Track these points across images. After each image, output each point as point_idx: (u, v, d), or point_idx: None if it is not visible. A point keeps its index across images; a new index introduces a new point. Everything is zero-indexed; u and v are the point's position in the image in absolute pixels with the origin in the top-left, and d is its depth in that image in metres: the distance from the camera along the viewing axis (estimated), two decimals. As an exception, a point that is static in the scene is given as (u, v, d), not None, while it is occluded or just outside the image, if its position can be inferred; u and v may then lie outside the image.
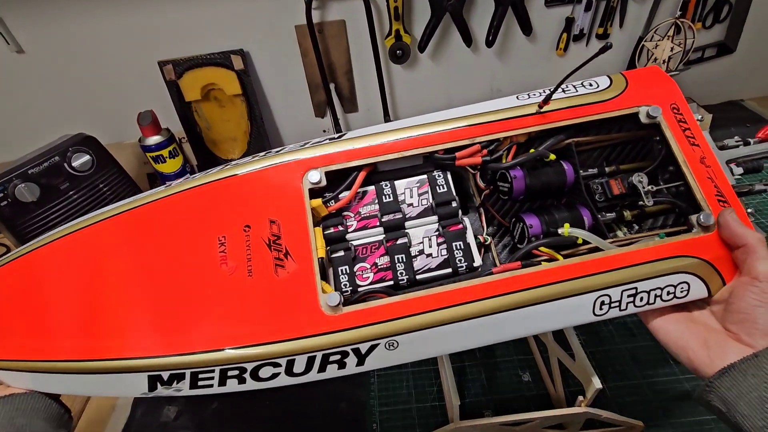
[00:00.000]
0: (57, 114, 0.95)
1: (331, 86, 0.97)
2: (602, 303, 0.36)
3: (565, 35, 0.93)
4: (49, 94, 0.93)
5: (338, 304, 0.35)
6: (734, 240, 0.35)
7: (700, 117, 0.42)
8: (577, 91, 0.43)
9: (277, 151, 0.43)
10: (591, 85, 0.43)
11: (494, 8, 0.87)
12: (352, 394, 0.60)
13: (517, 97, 0.44)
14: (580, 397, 0.47)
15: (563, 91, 0.43)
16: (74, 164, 0.73)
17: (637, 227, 0.44)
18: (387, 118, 1.00)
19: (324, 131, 1.05)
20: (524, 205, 0.46)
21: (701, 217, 0.36)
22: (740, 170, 0.42)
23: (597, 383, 0.44)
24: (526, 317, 0.36)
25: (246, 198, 0.40)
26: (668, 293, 0.36)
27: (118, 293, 0.38)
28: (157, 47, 0.89)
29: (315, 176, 0.40)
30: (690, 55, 0.88)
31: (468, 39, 0.90)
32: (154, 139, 0.86)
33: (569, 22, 0.92)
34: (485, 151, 0.42)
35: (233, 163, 0.43)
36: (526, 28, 0.90)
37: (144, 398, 0.63)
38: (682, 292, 0.36)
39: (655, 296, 0.36)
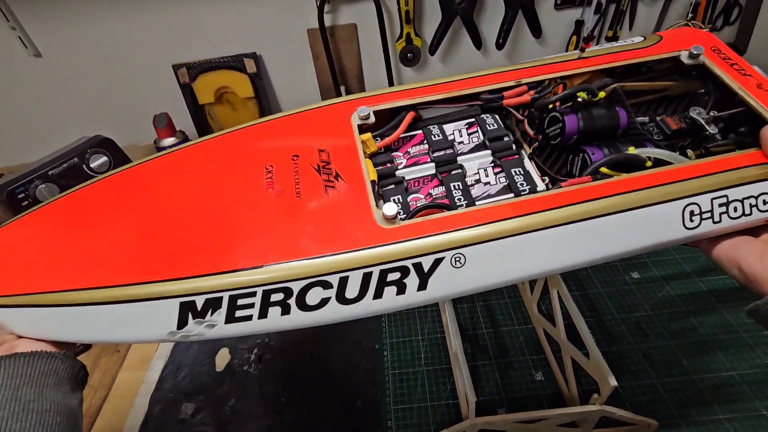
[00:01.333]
0: (74, 116, 0.97)
1: (342, 89, 0.98)
2: (692, 213, 0.32)
3: (574, 38, 0.94)
4: (66, 97, 0.94)
5: (395, 215, 0.32)
6: None
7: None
8: (613, 45, 0.44)
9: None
10: (626, 41, 0.44)
11: (504, 11, 0.88)
12: (368, 393, 0.61)
13: (556, 54, 0.45)
14: (595, 395, 0.47)
15: (600, 47, 0.44)
16: (92, 165, 0.75)
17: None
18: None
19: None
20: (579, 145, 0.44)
21: None
22: None
23: (612, 381, 0.44)
24: (609, 228, 0.31)
25: (294, 133, 0.40)
26: (765, 202, 0.33)
27: (160, 222, 0.35)
28: (172, 51, 0.90)
29: (365, 111, 0.39)
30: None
31: (478, 42, 0.91)
32: (168, 141, 0.87)
33: (579, 24, 0.92)
34: (532, 92, 0.41)
35: (279, 113, 0.43)
36: (536, 30, 0.91)
37: (160, 394, 0.64)
38: None
39: (751, 206, 0.33)
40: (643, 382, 0.57)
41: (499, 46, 0.92)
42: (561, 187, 0.33)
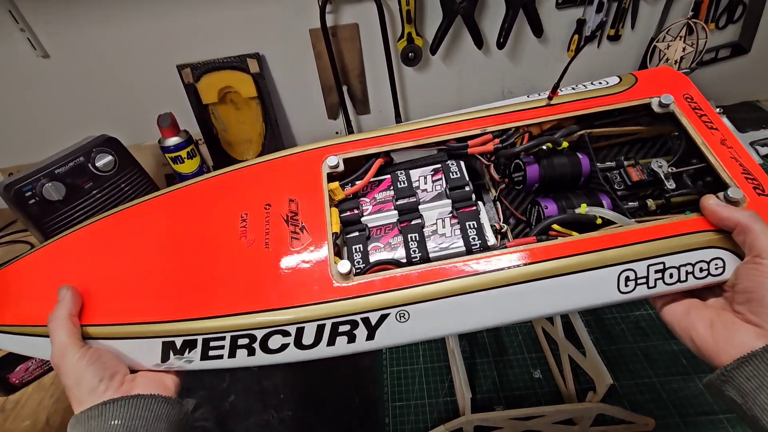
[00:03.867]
0: (80, 116, 0.98)
1: (344, 88, 0.98)
2: (627, 279, 0.34)
3: (576, 37, 0.94)
4: (73, 97, 0.96)
5: (349, 272, 0.35)
6: (724, 223, 0.33)
7: (719, 110, 0.41)
8: (586, 88, 0.44)
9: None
10: (600, 83, 0.44)
11: (505, 10, 0.88)
12: (365, 390, 0.61)
13: (527, 96, 0.45)
14: (591, 393, 0.47)
15: (573, 89, 0.44)
16: (98, 164, 0.76)
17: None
18: (399, 120, 1.01)
19: (336, 133, 1.07)
20: (539, 195, 0.45)
21: (729, 192, 0.34)
22: (766, 149, 0.41)
23: (608, 378, 0.44)
24: (544, 291, 0.34)
25: (268, 181, 0.43)
26: (701, 270, 0.34)
27: (142, 265, 0.39)
28: (176, 51, 0.92)
29: (333, 161, 0.42)
30: (703, 55, 0.88)
31: (479, 41, 0.91)
32: (173, 141, 0.88)
33: (580, 23, 0.92)
34: (497, 140, 0.43)
35: (258, 158, 0.46)
36: (537, 29, 0.91)
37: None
38: (717, 269, 0.34)
39: (687, 273, 0.34)
40: (642, 380, 0.57)
41: (500, 45, 0.92)
42: (506, 247, 0.36)
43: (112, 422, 0.31)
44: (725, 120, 0.40)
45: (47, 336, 0.35)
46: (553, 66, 0.99)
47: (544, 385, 0.58)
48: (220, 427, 0.60)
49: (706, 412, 0.53)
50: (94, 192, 0.76)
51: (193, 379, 0.66)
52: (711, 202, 0.34)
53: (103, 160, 0.77)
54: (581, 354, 0.50)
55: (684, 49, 0.84)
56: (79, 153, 0.76)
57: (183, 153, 0.90)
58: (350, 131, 1.02)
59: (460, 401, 0.55)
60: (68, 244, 0.42)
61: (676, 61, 0.83)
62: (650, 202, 0.40)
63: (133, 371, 0.36)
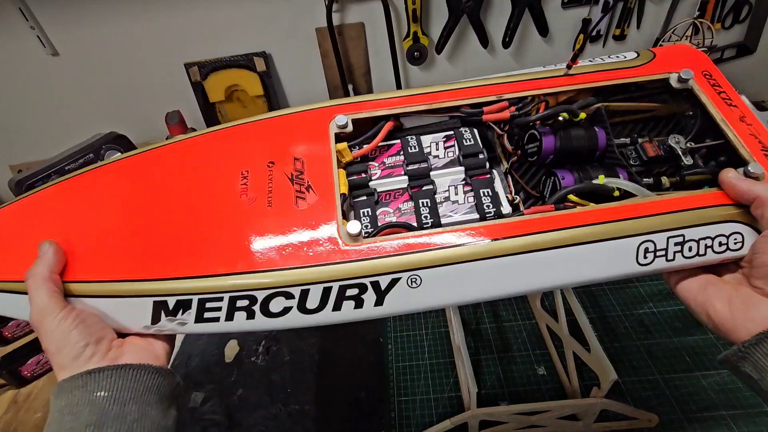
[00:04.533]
0: (90, 114, 0.99)
1: (350, 87, 0.99)
2: (647, 250, 0.33)
3: (581, 36, 0.94)
4: (82, 95, 0.97)
5: (359, 233, 0.33)
6: (743, 196, 0.33)
7: (739, 91, 0.40)
8: (604, 61, 0.43)
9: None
10: (618, 57, 0.44)
11: (511, 9, 0.88)
12: (371, 385, 0.62)
13: (543, 67, 0.44)
14: (596, 388, 0.48)
15: (590, 61, 0.43)
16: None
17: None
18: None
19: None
20: (554, 167, 0.44)
21: (749, 168, 0.33)
22: None
23: (612, 374, 0.45)
24: (562, 260, 0.33)
25: (273, 138, 0.40)
26: (720, 244, 0.33)
27: (133, 219, 0.37)
28: (184, 50, 0.92)
29: (342, 120, 0.40)
30: (709, 55, 0.88)
31: (485, 40, 0.92)
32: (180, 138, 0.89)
33: (586, 23, 0.92)
34: (513, 108, 0.41)
35: (262, 114, 0.43)
36: (543, 29, 0.91)
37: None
38: (735, 243, 0.33)
39: (706, 247, 0.33)
40: (645, 377, 0.58)
41: (506, 44, 0.92)
42: (523, 214, 0.34)
43: (98, 393, 0.28)
44: (744, 98, 0.39)
45: (26, 293, 0.32)
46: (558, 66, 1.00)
47: (548, 381, 0.59)
48: (229, 420, 0.61)
49: (708, 409, 0.54)
50: (104, 188, 0.77)
51: (201, 373, 0.67)
52: (730, 175, 0.33)
53: (112, 157, 0.78)
54: (585, 350, 0.51)
55: (689, 49, 0.84)
56: (89, 150, 0.76)
57: (190, 150, 0.90)
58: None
59: (465, 396, 0.56)
60: (51, 196, 0.39)
61: (681, 61, 0.83)
62: (664, 180, 0.39)
63: (120, 335, 0.33)
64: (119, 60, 0.93)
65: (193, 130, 0.92)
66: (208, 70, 0.94)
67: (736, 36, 0.98)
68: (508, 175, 0.43)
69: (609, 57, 0.44)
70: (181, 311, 0.33)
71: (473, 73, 1.02)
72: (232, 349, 0.70)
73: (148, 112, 0.97)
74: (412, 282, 0.32)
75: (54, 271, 0.32)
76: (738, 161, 0.36)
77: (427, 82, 1.01)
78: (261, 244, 0.34)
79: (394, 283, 0.32)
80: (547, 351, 0.62)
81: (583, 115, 0.40)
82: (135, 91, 0.97)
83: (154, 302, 0.33)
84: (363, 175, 0.40)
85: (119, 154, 0.78)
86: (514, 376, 0.60)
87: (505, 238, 0.32)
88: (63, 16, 0.87)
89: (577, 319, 0.52)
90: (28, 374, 0.66)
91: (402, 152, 0.41)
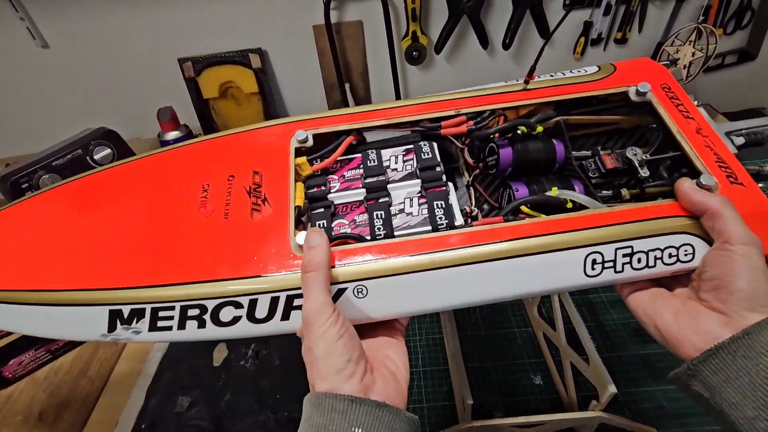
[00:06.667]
0: (79, 108, 0.97)
1: (347, 86, 0.98)
2: (594, 261, 0.33)
3: (582, 39, 0.93)
4: (72, 89, 0.95)
5: None
6: (696, 207, 0.32)
7: (697, 102, 0.41)
8: (565, 75, 0.44)
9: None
10: (579, 71, 0.44)
11: (512, 10, 0.87)
12: (362, 392, 0.60)
13: (505, 81, 0.45)
14: (594, 402, 0.46)
15: (551, 75, 0.44)
16: (96, 157, 0.75)
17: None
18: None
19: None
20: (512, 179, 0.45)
21: (701, 179, 0.34)
22: (741, 140, 0.40)
23: (612, 388, 0.44)
24: (508, 271, 0.33)
25: (235, 153, 0.42)
26: (670, 256, 0.33)
27: (93, 231, 0.38)
28: (177, 45, 0.91)
29: (302, 135, 0.41)
30: (710, 61, 0.87)
31: (485, 41, 0.91)
32: (172, 135, 0.87)
33: (587, 26, 0.91)
34: (471, 122, 0.42)
35: (227, 130, 0.45)
36: (544, 31, 0.90)
37: (157, 387, 0.64)
38: (686, 255, 0.33)
39: (656, 258, 0.33)
40: (643, 389, 0.56)
41: (506, 46, 0.91)
42: (472, 225, 0.34)
43: (355, 430, 0.27)
44: (702, 111, 0.40)
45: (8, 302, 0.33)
46: (558, 68, 0.99)
47: (544, 392, 0.58)
48: (216, 426, 0.59)
49: (708, 422, 0.52)
50: (92, 185, 0.75)
51: (189, 377, 0.65)
52: (685, 185, 0.33)
53: (102, 153, 0.76)
54: (584, 361, 0.49)
55: (693, 54, 0.83)
56: (77, 145, 0.75)
57: (183, 147, 0.89)
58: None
59: (459, 406, 0.54)
60: (21, 211, 0.41)
61: (684, 66, 0.83)
62: (624, 192, 0.39)
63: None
64: (111, 53, 0.91)
65: (186, 127, 0.90)
66: (202, 65, 0.92)
67: (737, 42, 0.97)
68: (470, 188, 0.44)
69: (571, 72, 0.45)
70: (135, 320, 0.34)
71: (472, 74, 1.00)
72: (220, 352, 0.68)
73: (140, 108, 0.95)
74: (358, 292, 0.33)
75: (328, 266, 0.32)
76: (694, 172, 0.36)
77: (425, 82, 1.00)
78: (214, 255, 0.35)
79: (341, 293, 0.33)
80: (544, 360, 0.61)
81: (540, 129, 0.41)
82: (127, 85, 0.95)
83: (110, 311, 0.34)
84: (322, 188, 0.41)
85: (109, 150, 0.76)
86: (510, 385, 0.59)
87: (449, 249, 0.33)
88: (53, 7, 0.85)
89: (575, 328, 0.51)
90: (10, 375, 0.64)
91: (362, 166, 0.42)
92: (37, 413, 0.62)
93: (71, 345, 0.69)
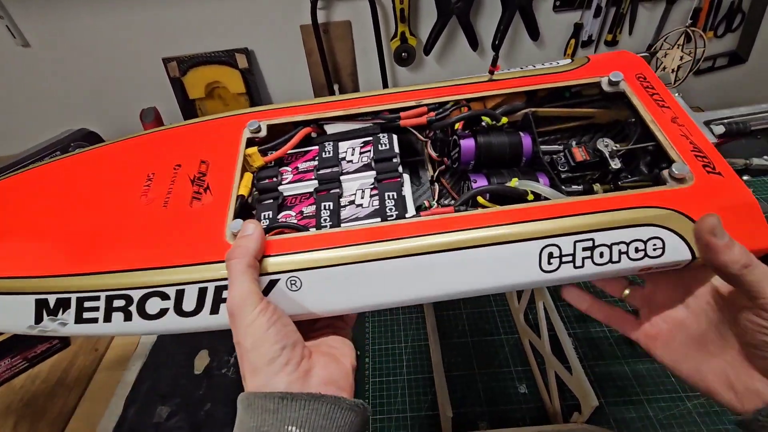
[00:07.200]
0: (60, 109, 0.95)
1: (335, 87, 0.96)
2: (551, 255, 0.30)
3: (573, 41, 0.92)
4: (53, 89, 0.93)
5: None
6: (728, 268, 0.27)
7: (678, 94, 0.39)
8: (535, 67, 0.43)
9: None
10: (551, 63, 0.43)
11: (501, 12, 0.86)
12: (345, 401, 0.59)
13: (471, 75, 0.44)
14: (576, 413, 0.46)
15: (521, 68, 0.43)
16: (75, 160, 0.73)
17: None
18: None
19: (327, 132, 1.05)
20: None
21: (673, 168, 0.32)
22: (721, 129, 0.38)
23: (594, 400, 0.43)
24: (457, 264, 0.30)
25: (186, 143, 0.41)
26: (636, 250, 0.30)
27: (26, 218, 0.37)
28: (162, 44, 0.89)
29: (254, 124, 0.40)
30: (701, 64, 0.87)
31: (474, 42, 0.90)
32: (156, 136, 0.86)
33: (578, 28, 0.90)
34: (432, 113, 0.40)
35: (184, 121, 0.45)
36: (534, 32, 0.89)
37: (136, 396, 0.62)
38: (655, 250, 0.30)
39: (620, 252, 0.30)
40: (630, 398, 0.56)
41: (496, 47, 0.90)
42: (419, 216, 0.32)
43: (289, 428, 0.26)
44: (680, 99, 0.38)
45: None
46: (549, 70, 0.98)
47: (529, 401, 0.57)
48: (195, 437, 0.58)
49: (693, 432, 0.52)
50: (71, 188, 0.74)
51: (168, 386, 0.63)
52: (708, 223, 0.28)
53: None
54: (567, 371, 0.49)
55: (681, 58, 0.83)
56: (56, 147, 0.73)
57: (167, 149, 0.87)
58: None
59: (442, 416, 0.53)
60: None
61: (673, 70, 0.82)
62: (597, 187, 0.37)
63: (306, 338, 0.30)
64: (93, 53, 0.89)
65: (170, 128, 0.88)
66: (188, 65, 0.90)
67: (728, 44, 0.96)
68: (435, 183, 0.41)
69: (543, 64, 0.43)
70: (61, 310, 0.33)
71: (462, 75, 0.99)
72: (202, 360, 0.66)
73: (123, 108, 0.93)
74: (291, 284, 0.31)
75: (257, 257, 0.30)
76: (669, 162, 0.34)
77: (415, 83, 0.98)
78: (145, 243, 0.34)
79: (272, 284, 0.31)
80: (530, 368, 0.60)
81: (505, 120, 0.39)
82: (110, 86, 0.93)
83: (36, 300, 0.33)
84: (274, 179, 0.39)
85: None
86: (495, 393, 0.58)
87: (390, 240, 0.30)
88: (34, 5, 0.83)
89: (559, 336, 0.50)
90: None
91: (317, 158, 0.41)
92: (12, 423, 0.61)
93: (48, 352, 0.68)
